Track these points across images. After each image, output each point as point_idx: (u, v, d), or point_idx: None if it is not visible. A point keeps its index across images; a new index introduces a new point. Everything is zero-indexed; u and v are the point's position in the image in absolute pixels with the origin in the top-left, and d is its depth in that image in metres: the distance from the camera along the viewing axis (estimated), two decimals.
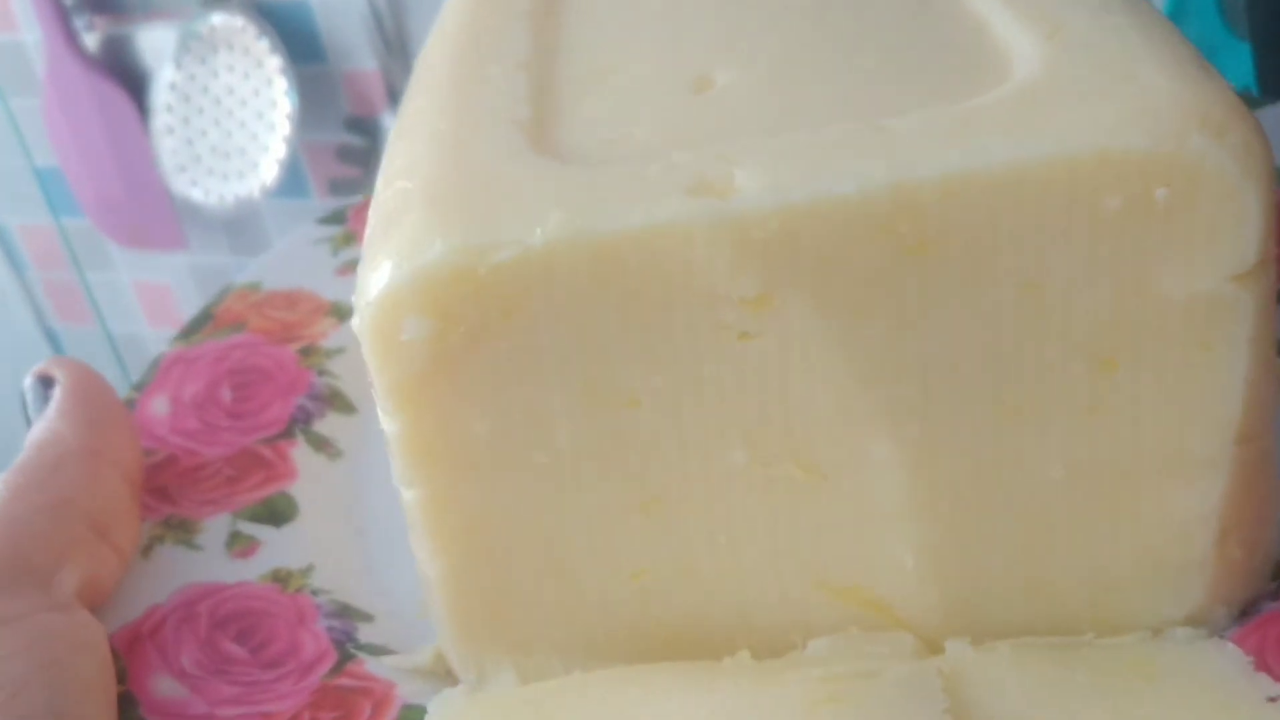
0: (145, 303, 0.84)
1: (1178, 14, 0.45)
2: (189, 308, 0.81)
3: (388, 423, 0.24)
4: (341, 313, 0.36)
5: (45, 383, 0.29)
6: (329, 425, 0.33)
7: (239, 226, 0.76)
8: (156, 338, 0.84)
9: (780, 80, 0.25)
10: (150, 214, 0.75)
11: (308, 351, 0.35)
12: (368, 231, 0.25)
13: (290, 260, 0.38)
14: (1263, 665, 0.23)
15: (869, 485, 0.24)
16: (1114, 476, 0.24)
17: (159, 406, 0.33)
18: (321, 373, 0.34)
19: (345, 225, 0.39)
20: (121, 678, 0.26)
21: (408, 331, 0.23)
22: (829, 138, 0.23)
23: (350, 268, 0.37)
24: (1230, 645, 0.23)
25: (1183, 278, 0.22)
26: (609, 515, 0.25)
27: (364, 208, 0.39)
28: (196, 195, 0.71)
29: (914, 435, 0.23)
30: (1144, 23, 0.25)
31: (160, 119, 0.70)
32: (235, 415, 0.33)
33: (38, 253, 0.84)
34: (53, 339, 0.89)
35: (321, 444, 0.32)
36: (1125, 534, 0.24)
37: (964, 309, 0.22)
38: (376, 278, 0.23)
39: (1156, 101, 0.22)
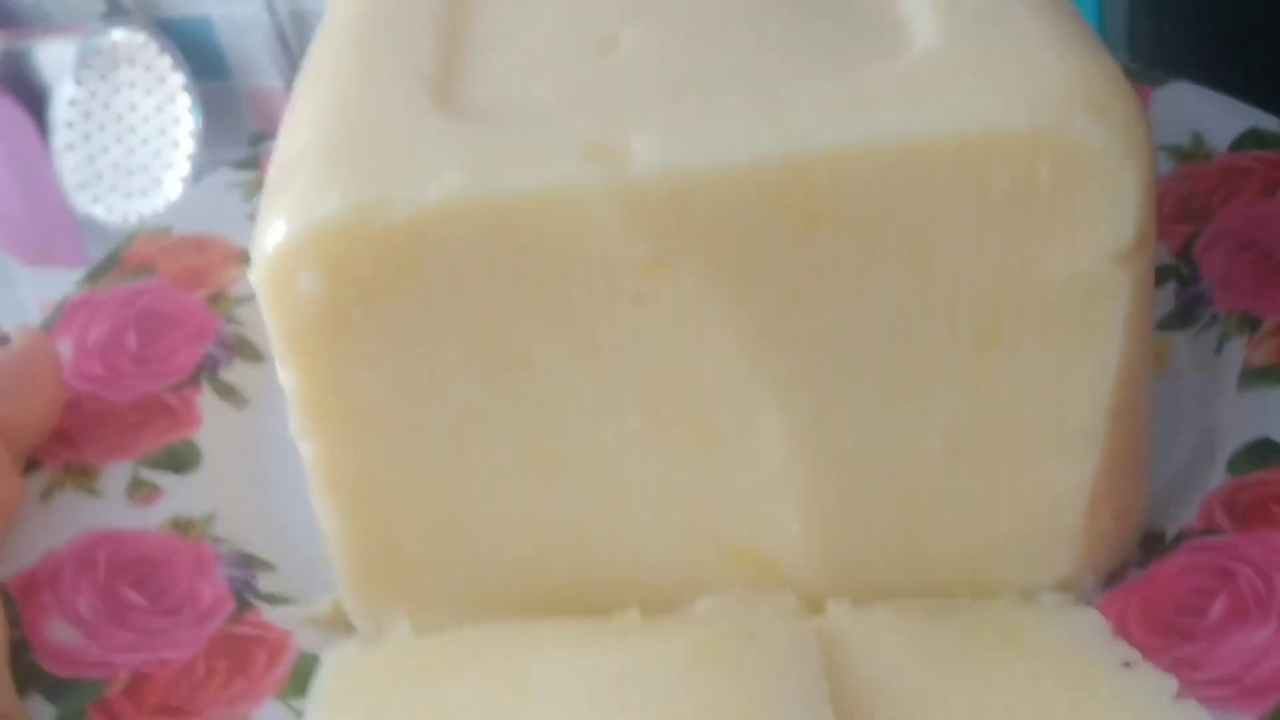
0: None
1: None
2: None
3: (285, 376, 0.24)
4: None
5: (1, 342, 0.30)
6: (235, 373, 0.33)
7: None
8: None
9: (684, 44, 0.25)
10: (52, 231, 0.72)
11: (216, 298, 0.34)
12: (267, 182, 0.25)
13: (202, 205, 0.37)
14: (1122, 631, 0.24)
15: (758, 451, 0.25)
16: (992, 448, 0.24)
17: (63, 350, 0.32)
18: (229, 320, 0.34)
19: (258, 171, 0.38)
20: (15, 622, 0.26)
21: (303, 286, 0.23)
22: (725, 106, 0.23)
23: None
24: (1094, 612, 0.24)
25: (1065, 256, 0.23)
26: (504, 474, 0.25)
27: None
28: (99, 213, 0.69)
29: (801, 404, 0.24)
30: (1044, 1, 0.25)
31: (61, 135, 0.67)
32: (140, 361, 0.32)
33: None
34: None
35: (227, 392, 0.32)
36: (1001, 502, 0.25)
37: (853, 282, 0.23)
38: (272, 231, 0.23)
39: (1043, 80, 0.22)
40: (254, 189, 0.37)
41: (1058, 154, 0.22)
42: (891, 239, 0.23)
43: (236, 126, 0.68)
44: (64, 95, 0.67)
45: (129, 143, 0.68)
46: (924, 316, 0.23)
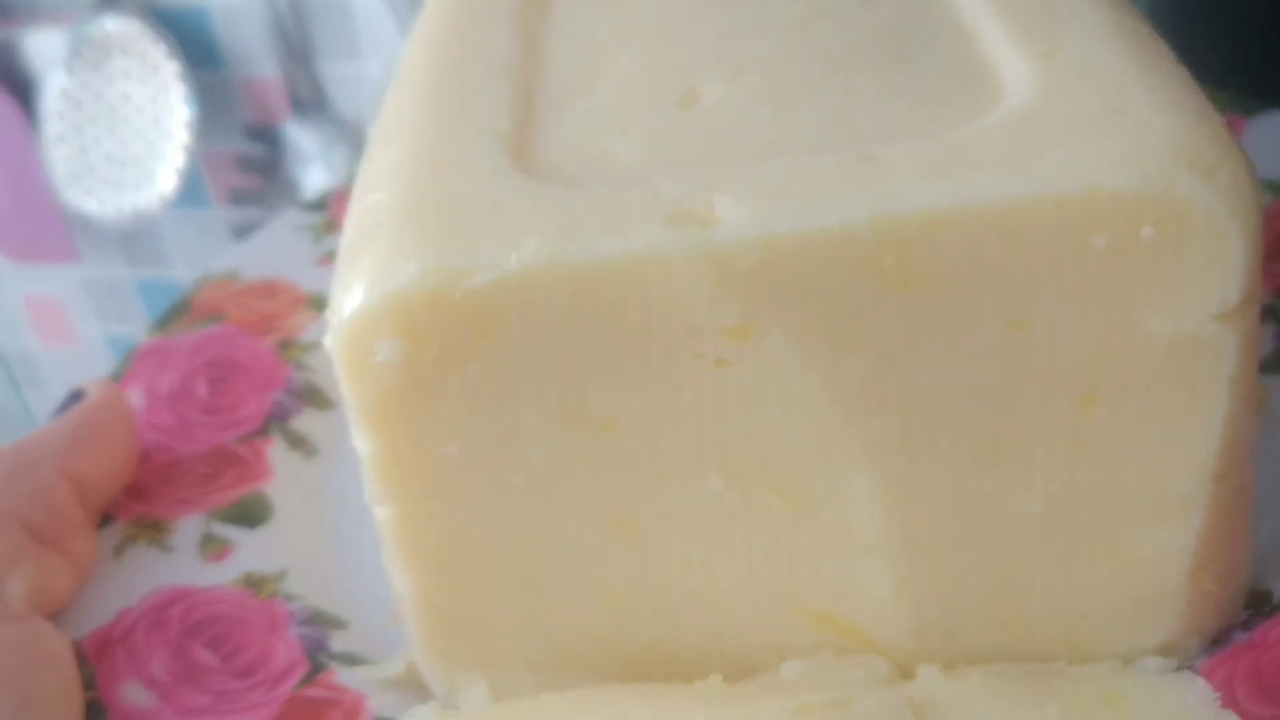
0: (36, 317, 0.80)
1: None
2: (83, 322, 0.78)
3: (361, 441, 0.24)
4: (321, 304, 0.35)
5: (77, 396, 0.30)
6: (306, 421, 0.33)
7: (135, 238, 0.73)
8: (48, 353, 0.81)
9: (768, 99, 0.25)
10: (41, 225, 0.71)
11: (286, 345, 0.34)
12: (343, 242, 0.24)
13: (269, 248, 0.37)
14: (1230, 699, 0.23)
15: (846, 516, 0.24)
16: (1092, 511, 0.23)
17: (134, 399, 0.32)
18: (300, 367, 0.34)
19: (326, 213, 0.38)
20: (90, 684, 0.26)
21: (380, 353, 0.22)
22: (814, 167, 0.22)
23: (330, 257, 0.37)
24: (1199, 680, 0.23)
25: (1167, 317, 0.22)
26: (583, 537, 0.24)
27: (346, 195, 0.39)
28: (90, 206, 0.67)
29: (894, 469, 0.23)
30: (1140, 47, 0.24)
31: (51, 127, 0.66)
32: (211, 410, 0.32)
33: None
34: None
35: (298, 442, 0.32)
36: (1101, 566, 0.24)
37: (948, 345, 0.22)
38: (350, 297, 0.23)
39: (1147, 138, 0.21)
40: (322, 231, 0.37)
41: (1161, 215, 0.21)
42: (987, 300, 0.22)
43: (232, 117, 0.67)
44: (55, 86, 0.65)
45: (122, 134, 0.67)
46: (1021, 378, 0.22)
